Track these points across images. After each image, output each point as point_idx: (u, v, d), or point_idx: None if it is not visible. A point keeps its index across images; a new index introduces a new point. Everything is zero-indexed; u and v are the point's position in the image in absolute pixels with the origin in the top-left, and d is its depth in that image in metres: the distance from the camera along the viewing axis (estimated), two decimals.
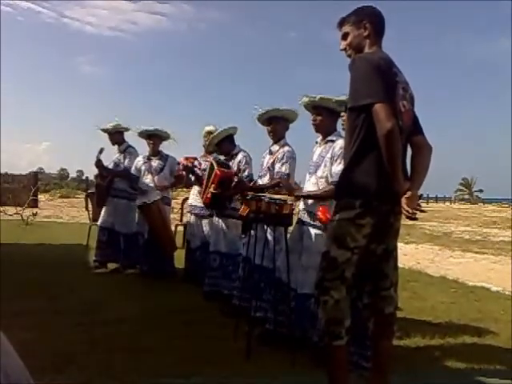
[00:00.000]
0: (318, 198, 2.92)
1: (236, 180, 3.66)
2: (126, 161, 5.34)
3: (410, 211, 1.90)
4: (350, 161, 2.04)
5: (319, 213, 2.75)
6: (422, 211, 1.98)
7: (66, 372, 2.38)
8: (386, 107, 1.89)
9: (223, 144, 4.20)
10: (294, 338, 2.82)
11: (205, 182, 4.05)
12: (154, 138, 5.17)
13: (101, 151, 5.25)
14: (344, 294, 2.02)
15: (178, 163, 4.77)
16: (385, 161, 1.91)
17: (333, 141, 2.95)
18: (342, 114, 2.98)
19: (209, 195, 3.88)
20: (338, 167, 2.82)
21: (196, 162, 4.57)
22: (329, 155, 2.91)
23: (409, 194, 1.92)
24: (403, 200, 1.92)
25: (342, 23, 2.20)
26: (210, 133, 4.77)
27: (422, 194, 2.17)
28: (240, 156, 4.11)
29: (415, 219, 1.94)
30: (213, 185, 3.81)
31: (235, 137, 4.31)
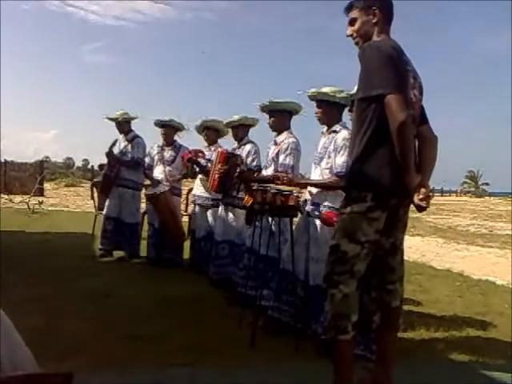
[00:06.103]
0: (323, 186, 2.91)
1: (240, 169, 3.65)
2: (134, 151, 5.32)
3: (424, 205, 1.84)
4: (361, 152, 1.97)
5: (325, 216, 2.69)
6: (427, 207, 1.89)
7: (71, 359, 2.40)
8: (399, 98, 1.84)
9: (240, 129, 4.22)
10: (302, 328, 2.84)
11: (211, 170, 4.07)
12: (167, 128, 5.17)
13: (114, 143, 5.28)
14: (353, 289, 1.98)
15: (182, 157, 4.77)
16: (397, 153, 1.86)
17: (336, 131, 2.92)
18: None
19: (216, 176, 3.91)
20: (342, 158, 2.81)
21: (201, 155, 4.58)
22: (332, 147, 2.89)
23: (423, 190, 1.85)
24: (416, 194, 1.86)
25: (349, 8, 2.12)
26: (204, 127, 4.79)
27: (433, 188, 2.12)
28: (249, 146, 4.12)
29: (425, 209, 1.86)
30: (219, 164, 3.86)
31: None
